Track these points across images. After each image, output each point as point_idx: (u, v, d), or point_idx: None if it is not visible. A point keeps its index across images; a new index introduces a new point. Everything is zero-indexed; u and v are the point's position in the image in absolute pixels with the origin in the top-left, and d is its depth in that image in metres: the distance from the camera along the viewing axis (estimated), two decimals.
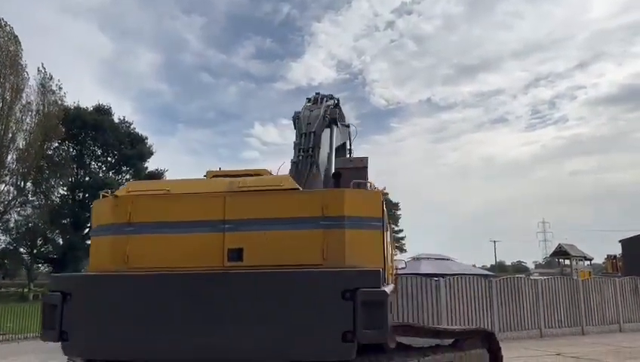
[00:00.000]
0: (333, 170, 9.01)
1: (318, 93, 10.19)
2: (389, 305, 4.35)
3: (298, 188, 5.26)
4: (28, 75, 36.49)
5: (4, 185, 35.67)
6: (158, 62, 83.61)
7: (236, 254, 4.79)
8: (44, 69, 37.73)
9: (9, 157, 36.60)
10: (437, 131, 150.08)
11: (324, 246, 4.73)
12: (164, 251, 4.90)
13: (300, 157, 8.47)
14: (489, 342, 8.03)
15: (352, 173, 10.12)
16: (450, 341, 7.77)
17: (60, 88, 38.77)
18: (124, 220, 4.98)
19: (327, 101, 9.95)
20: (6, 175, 36.86)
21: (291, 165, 8.45)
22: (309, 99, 9.91)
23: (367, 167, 9.85)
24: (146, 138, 45.63)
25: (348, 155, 11.49)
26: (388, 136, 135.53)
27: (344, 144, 11.64)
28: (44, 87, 37.72)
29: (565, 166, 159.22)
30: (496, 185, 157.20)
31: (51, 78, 38.13)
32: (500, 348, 8.12)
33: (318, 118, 9.09)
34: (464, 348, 7.57)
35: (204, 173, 6.38)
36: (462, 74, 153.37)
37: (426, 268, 17.24)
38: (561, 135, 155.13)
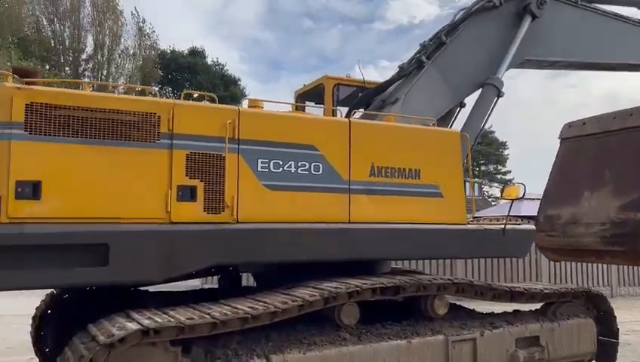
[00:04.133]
0: (497, 82, 6.55)
1: None
2: None
3: None
4: (125, 19, 37.25)
5: None
6: (261, 11, 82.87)
7: None
8: (137, 12, 38.21)
9: None
10: None
11: None
12: None
13: (414, 59, 6.53)
14: (596, 307, 5.73)
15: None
16: (536, 306, 5.59)
17: (154, 32, 39.31)
18: None
19: None
20: None
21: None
22: None
23: None
24: (239, 79, 45.67)
25: None
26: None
27: None
28: (141, 32, 38.38)
29: None
30: None
31: (144, 21, 38.65)
32: (614, 317, 5.81)
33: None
34: (557, 316, 5.36)
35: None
36: None
37: (527, 209, 14.29)
38: None
